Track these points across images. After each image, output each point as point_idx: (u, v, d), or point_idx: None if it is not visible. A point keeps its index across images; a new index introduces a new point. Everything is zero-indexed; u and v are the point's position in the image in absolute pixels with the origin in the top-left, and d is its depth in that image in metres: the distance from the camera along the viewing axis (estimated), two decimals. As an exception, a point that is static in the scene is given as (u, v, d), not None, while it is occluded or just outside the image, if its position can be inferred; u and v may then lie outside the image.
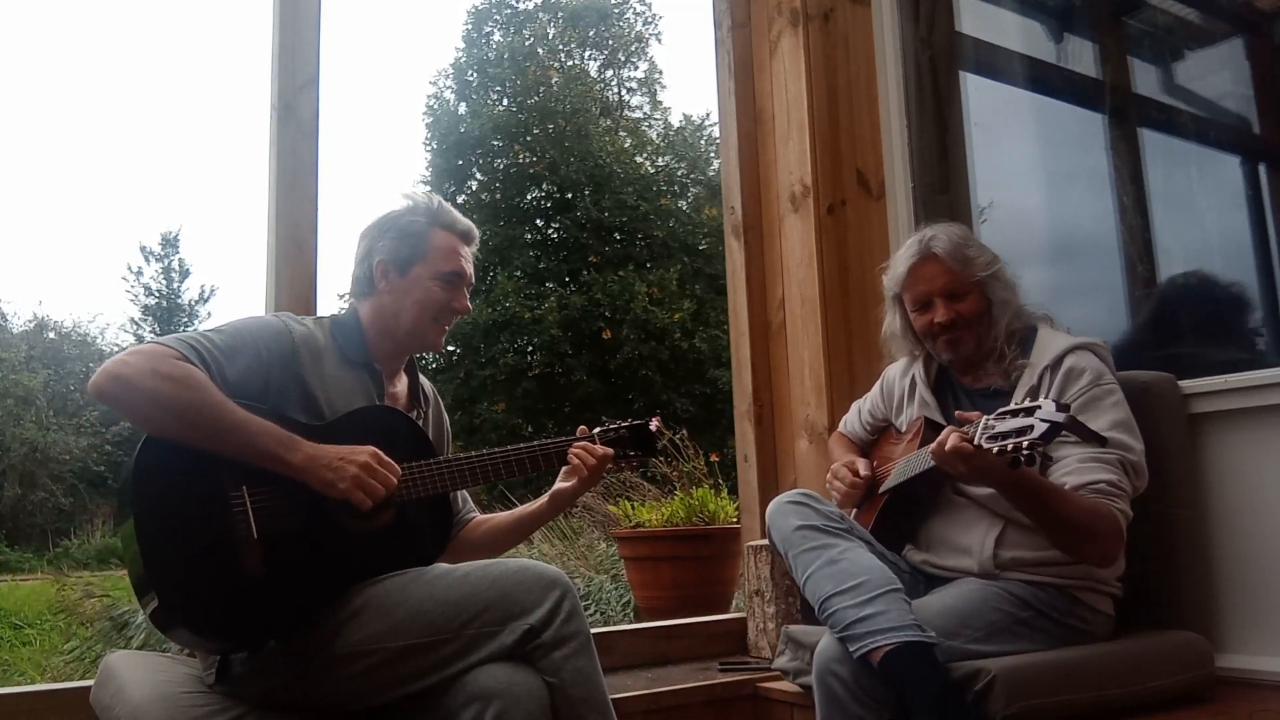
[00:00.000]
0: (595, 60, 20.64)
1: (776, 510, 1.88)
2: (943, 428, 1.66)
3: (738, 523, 3.18)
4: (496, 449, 1.67)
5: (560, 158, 17.68)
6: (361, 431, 1.54)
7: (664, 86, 22.34)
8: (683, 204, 18.73)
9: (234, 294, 23.67)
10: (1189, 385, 2.08)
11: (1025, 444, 1.43)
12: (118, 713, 1.46)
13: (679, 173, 19.37)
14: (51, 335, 20.39)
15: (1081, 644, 1.75)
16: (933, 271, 1.92)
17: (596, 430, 1.79)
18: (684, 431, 4.49)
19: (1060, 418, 1.42)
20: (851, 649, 1.60)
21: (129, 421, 1.43)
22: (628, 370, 16.29)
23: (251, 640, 1.45)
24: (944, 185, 2.71)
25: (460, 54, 19.31)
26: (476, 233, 1.79)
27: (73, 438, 17.22)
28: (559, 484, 1.79)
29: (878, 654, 1.56)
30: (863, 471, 2.03)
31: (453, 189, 18.09)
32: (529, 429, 15.30)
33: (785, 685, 2.11)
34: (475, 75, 19.01)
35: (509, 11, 19.59)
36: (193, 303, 22.06)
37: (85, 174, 33.34)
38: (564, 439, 1.75)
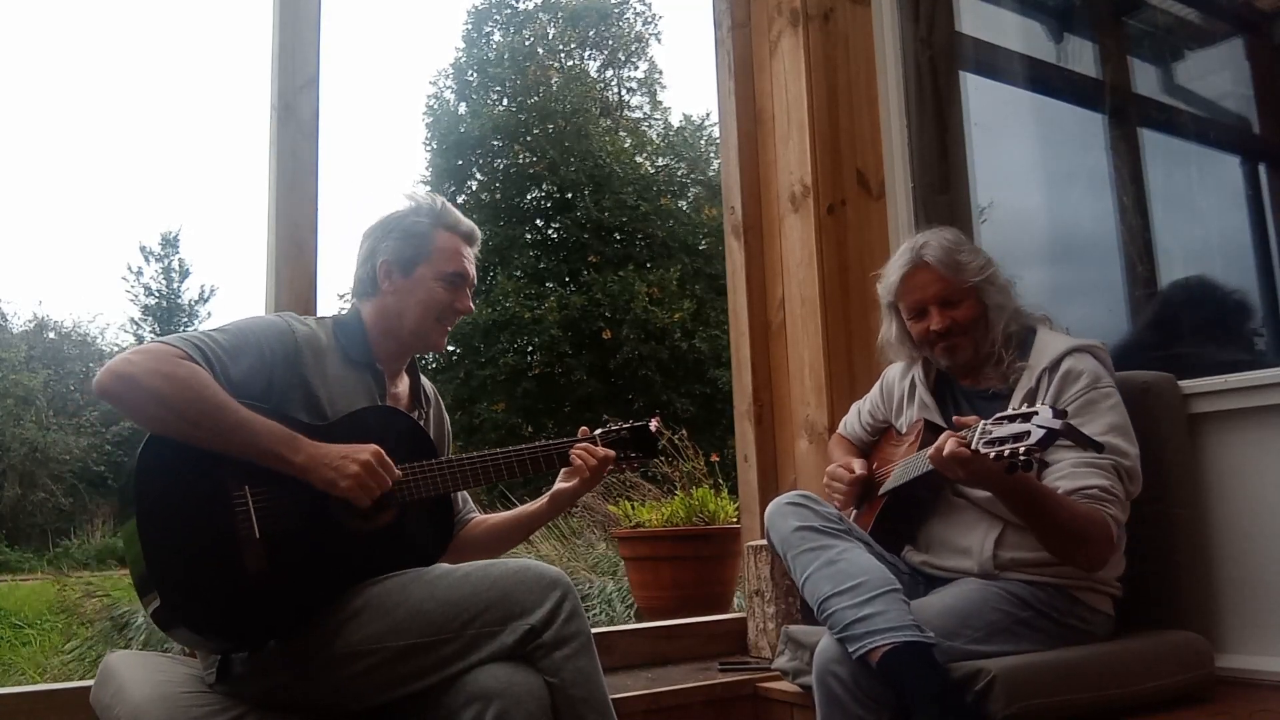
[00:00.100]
0: (595, 60, 20.65)
1: (775, 511, 1.88)
2: (942, 430, 1.67)
3: (738, 523, 3.18)
4: (498, 449, 1.67)
5: (560, 158, 17.67)
6: (364, 431, 1.54)
7: (664, 86, 22.38)
8: (683, 204, 18.74)
9: (234, 294, 23.72)
10: (1189, 385, 2.08)
11: (1022, 450, 1.43)
12: (118, 713, 1.46)
13: (679, 173, 19.38)
14: (51, 335, 20.40)
15: (1081, 644, 1.75)
16: (925, 279, 1.92)
17: (598, 431, 1.80)
18: (684, 431, 4.49)
19: (1057, 424, 1.43)
20: (850, 649, 1.60)
21: (132, 420, 1.44)
22: (628, 370, 16.29)
23: (253, 640, 1.45)
24: (944, 185, 2.71)
25: (460, 54, 19.33)
26: (479, 234, 1.80)
27: (73, 438, 17.23)
28: (559, 484, 1.79)
29: (876, 654, 1.56)
30: (858, 470, 2.03)
31: (453, 189, 18.08)
32: (529, 429, 15.30)
33: (785, 685, 2.11)
34: (475, 75, 19.01)
35: (509, 11, 19.59)
36: (193, 303, 22.09)
37: (85, 174, 33.38)
38: (565, 440, 1.75)
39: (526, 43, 19.17)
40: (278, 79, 2.25)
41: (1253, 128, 2.56)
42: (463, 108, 18.83)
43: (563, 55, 19.79)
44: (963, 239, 1.99)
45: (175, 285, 22.06)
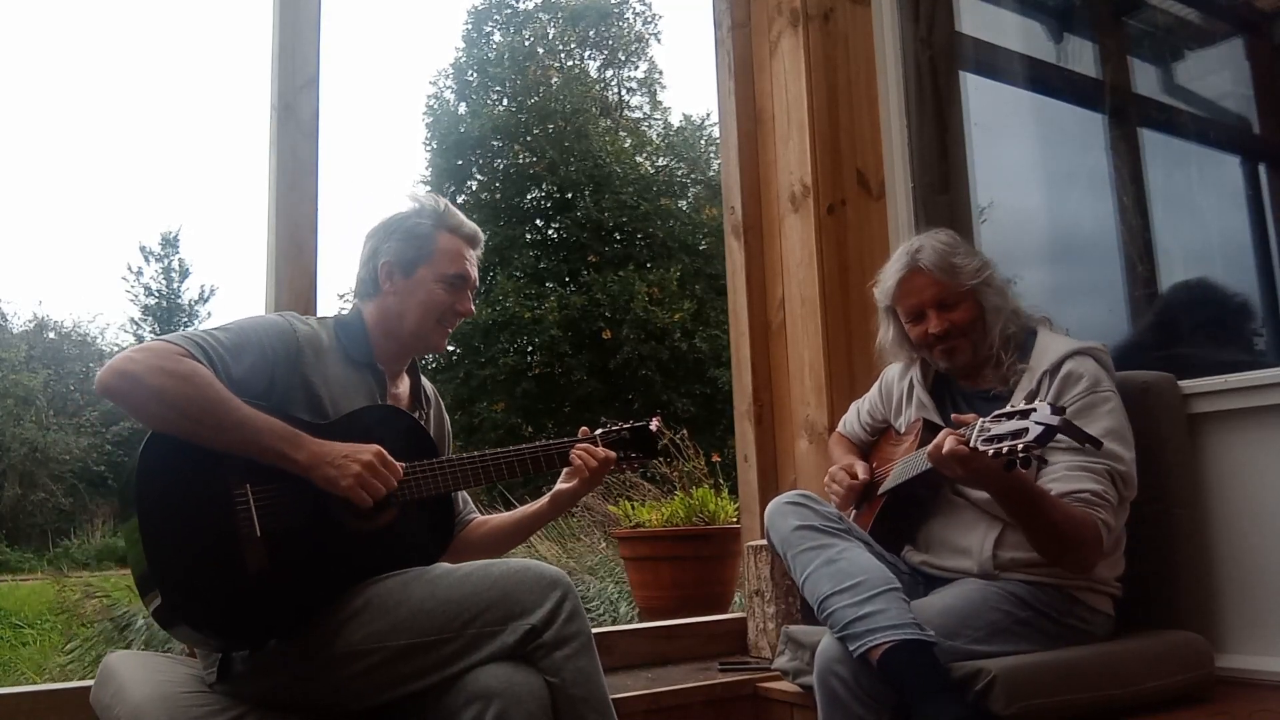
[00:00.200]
0: (595, 60, 20.65)
1: (775, 511, 1.88)
2: (941, 429, 1.67)
3: (738, 523, 3.18)
4: (499, 449, 1.67)
5: (560, 158, 17.67)
6: (364, 430, 1.55)
7: (664, 86, 22.38)
8: (683, 204, 18.74)
9: (234, 294, 23.72)
10: (1189, 385, 2.08)
11: (1020, 446, 1.43)
12: (118, 713, 1.46)
13: (679, 173, 19.38)
14: (51, 335, 20.40)
15: (1081, 644, 1.75)
16: (921, 283, 1.92)
17: (598, 432, 1.80)
18: (684, 431, 4.49)
19: (1055, 421, 1.43)
20: (850, 648, 1.60)
21: (135, 418, 1.44)
22: (628, 370, 16.29)
23: (253, 638, 1.45)
24: (944, 185, 2.71)
25: (460, 54, 19.33)
26: (482, 236, 1.80)
27: (73, 438, 17.23)
28: (560, 485, 1.79)
29: (876, 652, 1.56)
30: (861, 474, 2.03)
31: (453, 189, 18.09)
32: (529, 429, 15.30)
33: (785, 685, 2.11)
34: (475, 75, 19.02)
35: (509, 11, 19.59)
36: (193, 303, 22.09)
37: (85, 174, 33.37)
38: (565, 440, 1.75)
39: (526, 43, 19.17)
40: (278, 79, 2.25)
41: (1253, 128, 2.56)
42: (463, 108, 18.83)
43: (563, 55, 19.79)
44: (958, 241, 1.99)
45: (175, 285, 22.07)
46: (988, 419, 1.53)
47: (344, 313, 1.76)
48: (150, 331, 20.99)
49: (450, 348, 16.42)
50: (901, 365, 2.11)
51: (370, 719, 1.46)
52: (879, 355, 2.14)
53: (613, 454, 1.76)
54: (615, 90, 20.95)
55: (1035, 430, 1.43)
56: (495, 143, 18.25)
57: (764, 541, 2.14)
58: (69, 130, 30.92)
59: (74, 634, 5.11)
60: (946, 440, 1.58)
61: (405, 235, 1.71)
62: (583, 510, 5.58)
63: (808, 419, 2.65)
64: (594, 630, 1.50)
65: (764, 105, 2.90)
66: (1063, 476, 1.70)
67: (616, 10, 20.47)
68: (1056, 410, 1.44)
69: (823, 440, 2.53)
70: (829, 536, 1.78)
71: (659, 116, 20.92)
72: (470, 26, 19.48)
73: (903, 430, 2.05)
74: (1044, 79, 2.92)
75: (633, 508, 4.03)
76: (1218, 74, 2.68)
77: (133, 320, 21.65)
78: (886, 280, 1.99)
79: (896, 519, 1.95)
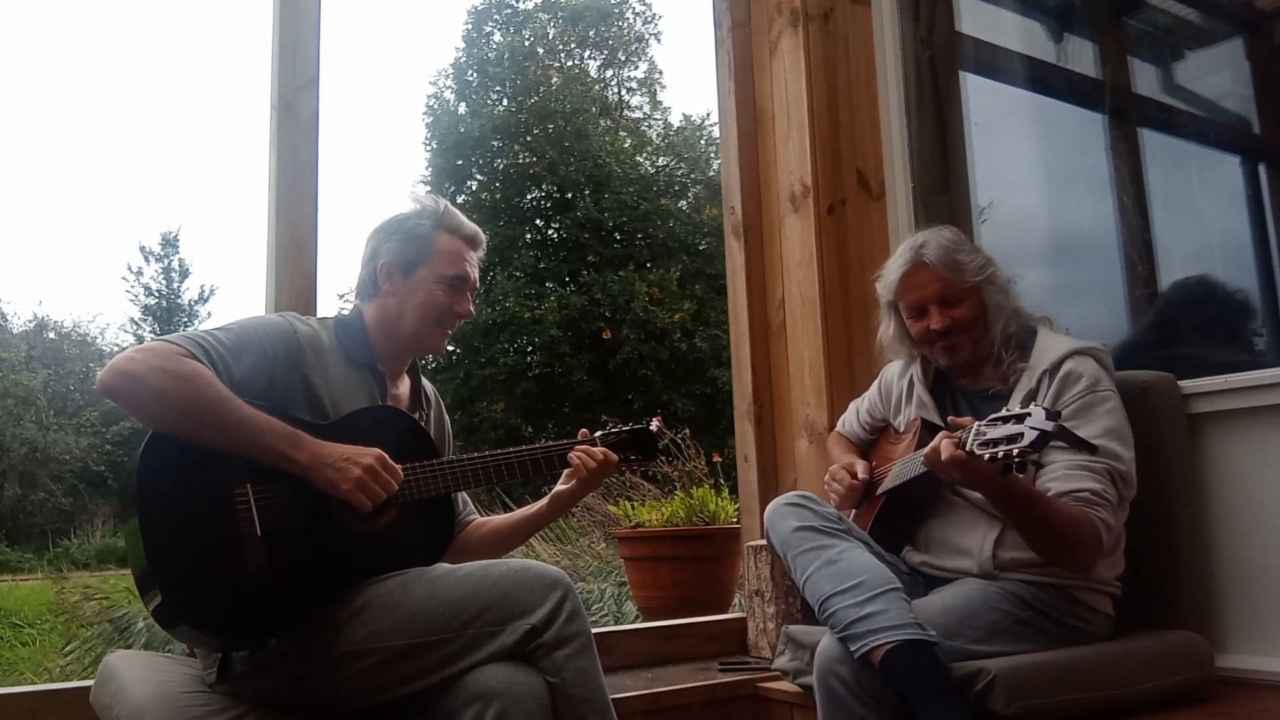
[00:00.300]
0: (595, 60, 20.65)
1: (775, 512, 1.88)
2: (939, 429, 1.67)
3: (738, 523, 3.18)
4: (499, 451, 1.67)
5: (560, 158, 17.68)
6: (365, 431, 1.55)
7: (664, 86, 22.36)
8: (683, 204, 18.74)
9: (234, 294, 23.73)
10: (1189, 385, 2.08)
11: (1016, 451, 1.43)
12: (118, 713, 1.46)
13: (679, 173, 19.38)
14: (51, 335, 20.40)
15: (1081, 644, 1.75)
16: (925, 279, 1.92)
17: (598, 433, 1.80)
18: (686, 431, 4.49)
19: (1049, 426, 1.43)
20: (852, 649, 1.60)
21: (136, 418, 1.44)
22: (628, 370, 16.29)
23: (253, 638, 1.45)
24: (944, 185, 2.71)
25: (460, 54, 19.33)
26: (483, 237, 1.79)
27: (73, 438, 17.23)
28: (559, 486, 1.79)
29: (878, 653, 1.56)
30: (860, 474, 2.03)
31: (453, 189, 18.09)
32: (528, 429, 15.30)
33: (785, 685, 2.11)
34: (475, 75, 19.02)
35: (509, 11, 19.59)
36: (193, 303, 22.09)
37: (85, 174, 33.38)
38: (565, 442, 1.75)
39: (526, 43, 19.17)
40: (278, 79, 2.25)
41: (1253, 128, 2.56)
42: (463, 108, 18.83)
43: (563, 55, 19.79)
44: (962, 238, 1.99)
45: (175, 285, 22.08)
46: (983, 423, 1.53)
47: (344, 313, 1.76)
48: (150, 331, 20.99)
49: (450, 348, 16.42)
50: (901, 363, 2.11)
51: (370, 719, 1.46)
52: (879, 351, 2.14)
53: (613, 455, 1.76)
54: (615, 90, 20.95)
55: (1030, 435, 1.43)
56: (495, 143, 18.25)
57: (764, 541, 2.14)
58: (69, 130, 30.96)
59: (73, 635, 5.12)
60: (942, 444, 1.58)
61: (405, 236, 1.71)
62: (582, 510, 5.58)
63: (808, 419, 2.65)
64: (594, 630, 1.50)
65: (764, 105, 2.90)
66: (1062, 475, 1.70)
67: (616, 10, 20.47)
68: (1051, 415, 1.44)
69: (823, 440, 2.53)
70: (829, 537, 1.78)
71: (659, 116, 20.94)
72: (470, 26, 19.49)
73: (901, 429, 2.05)
74: (1044, 79, 2.92)
75: (633, 508, 4.03)
76: (1218, 74, 2.68)
77: (133, 320, 21.69)
78: (890, 275, 1.99)
79: (896, 519, 1.95)
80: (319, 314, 2.09)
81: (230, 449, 1.43)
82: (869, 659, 1.57)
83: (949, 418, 1.65)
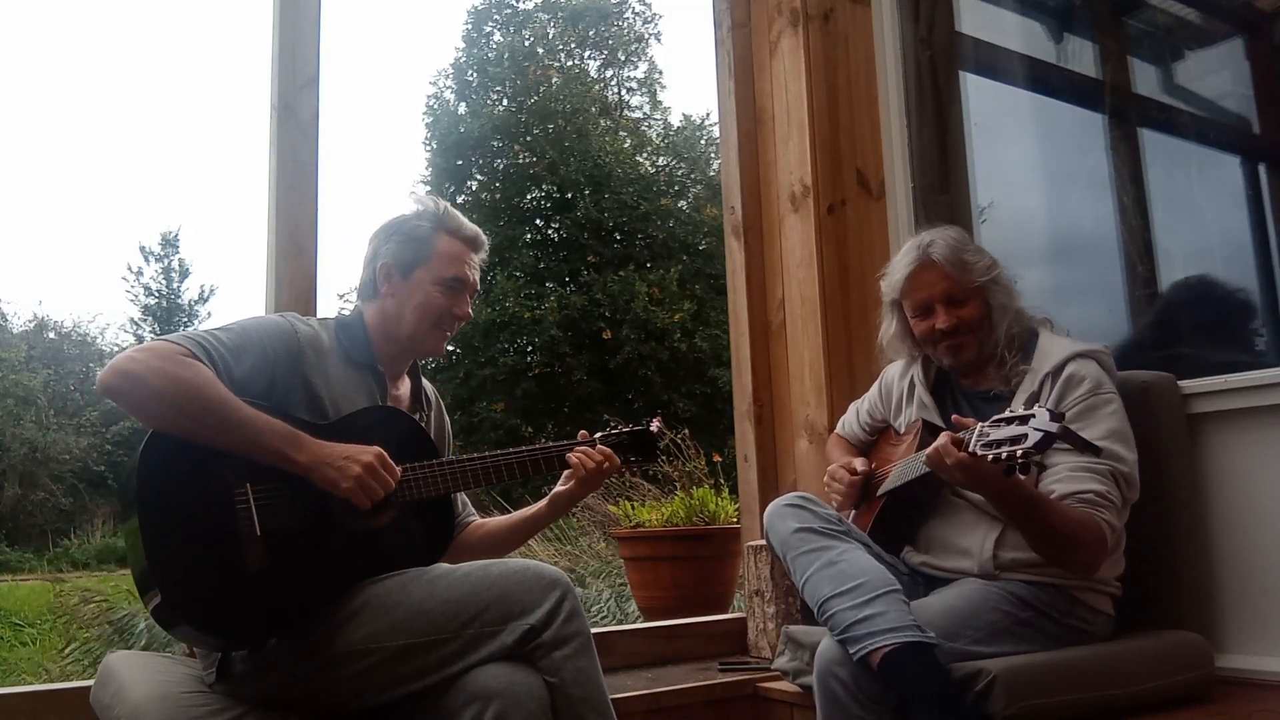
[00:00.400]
0: (595, 60, 20.65)
1: (774, 513, 1.88)
2: (941, 430, 1.67)
3: (738, 523, 3.18)
4: (498, 451, 1.67)
5: (560, 158, 17.68)
6: (365, 431, 1.55)
7: (664, 86, 22.32)
8: (683, 204, 18.74)
9: (234, 294, 23.69)
10: (1189, 385, 2.08)
11: (1019, 453, 1.43)
12: (118, 713, 1.46)
13: (679, 173, 19.39)
14: (51, 335, 20.39)
15: (1081, 644, 1.75)
16: (932, 278, 1.92)
17: (598, 434, 1.80)
18: (686, 431, 4.49)
19: (1054, 427, 1.43)
20: (851, 650, 1.60)
21: (136, 418, 1.44)
22: (628, 370, 16.29)
23: (253, 637, 1.45)
24: (944, 185, 2.71)
25: (460, 54, 19.33)
26: (485, 239, 1.79)
27: (73, 438, 17.23)
28: (559, 487, 1.79)
29: (877, 655, 1.56)
30: (859, 468, 2.03)
31: (453, 189, 18.10)
32: (528, 429, 15.29)
33: (785, 685, 2.11)
34: (475, 75, 19.02)
35: (509, 11, 19.59)
36: (193, 303, 22.06)
37: (85, 174, 33.36)
38: (565, 443, 1.75)
39: (526, 43, 19.17)
40: (278, 79, 2.25)
41: (1253, 128, 2.56)
42: (463, 108, 18.84)
43: (563, 55, 19.78)
44: (968, 238, 1.99)
45: (175, 285, 22.05)
46: (987, 424, 1.53)
47: (345, 314, 1.76)
48: (150, 331, 20.98)
49: (450, 348, 16.42)
50: (902, 364, 2.11)
51: (370, 719, 1.46)
52: (880, 350, 2.14)
53: (613, 456, 1.76)
54: (615, 90, 20.95)
55: (1034, 436, 1.43)
56: (495, 143, 18.25)
57: (764, 542, 2.14)
58: (69, 130, 30.94)
59: (73, 637, 5.11)
60: (945, 445, 1.57)
61: (404, 238, 1.71)
62: (582, 510, 5.58)
63: (808, 419, 2.65)
64: (594, 630, 1.50)
65: (764, 105, 2.90)
66: (1066, 477, 1.70)
67: (616, 10, 20.47)
68: (1055, 416, 1.44)
69: (823, 440, 2.53)
70: (828, 539, 1.78)
71: (659, 116, 20.93)
72: (470, 26, 19.49)
73: (902, 430, 2.05)
74: (1044, 79, 2.92)
75: (633, 508, 4.02)
76: (1218, 74, 2.68)
77: (133, 320, 21.66)
78: (895, 273, 1.98)
79: (896, 520, 1.95)
80: (319, 314, 2.09)
81: (230, 449, 1.43)
82: (868, 661, 1.57)
83: (953, 416, 1.65)
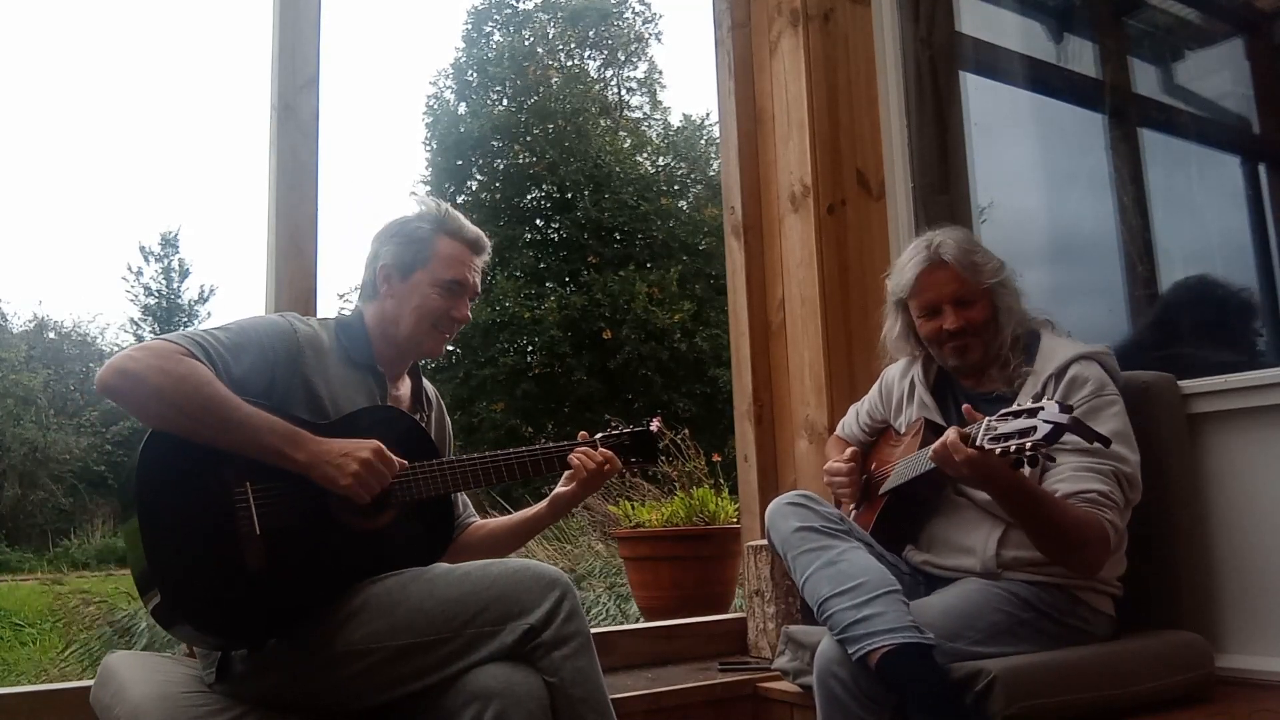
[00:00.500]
0: (595, 60, 20.65)
1: (775, 512, 1.88)
2: (943, 429, 1.66)
3: (738, 523, 3.18)
4: (499, 452, 1.67)
5: (560, 158, 17.68)
6: (365, 431, 1.54)
7: (664, 86, 22.32)
8: (683, 204, 18.74)
9: (234, 294, 23.65)
10: (1189, 385, 2.08)
11: (1029, 445, 1.43)
12: (118, 713, 1.46)
13: (679, 173, 19.38)
14: (51, 335, 20.39)
15: (1082, 644, 1.75)
16: (942, 278, 1.91)
17: (599, 436, 1.80)
18: (686, 431, 4.49)
19: (1064, 419, 1.42)
20: (849, 650, 1.60)
21: (134, 417, 1.44)
22: (628, 370, 16.29)
23: (252, 637, 1.45)
24: (944, 185, 2.71)
25: (460, 54, 19.33)
26: (487, 243, 1.78)
27: (73, 438, 17.22)
28: (560, 488, 1.79)
29: (875, 655, 1.56)
30: (849, 455, 2.06)
31: (452, 189, 18.09)
32: (528, 429, 15.29)
33: (785, 685, 2.11)
34: (475, 75, 19.02)
35: (509, 11, 19.59)
36: (192, 303, 22.05)
37: (85, 174, 33.33)
38: (566, 444, 1.75)
39: (526, 43, 19.17)
40: (278, 79, 2.25)
41: (1253, 128, 2.56)
42: (463, 108, 18.83)
43: (563, 55, 19.79)
44: (975, 240, 1.99)
45: (175, 285, 22.04)
46: (994, 418, 1.52)
47: (345, 314, 1.76)
48: (150, 331, 20.97)
49: (450, 348, 16.41)
50: (902, 365, 2.10)
51: (370, 719, 1.46)
52: (882, 349, 2.13)
53: (613, 458, 1.76)
54: (615, 90, 20.95)
55: (1044, 429, 1.42)
56: (495, 143, 18.25)
57: (764, 541, 2.14)
58: (69, 130, 30.92)
59: (73, 639, 5.11)
60: (952, 438, 1.57)
61: (404, 239, 1.71)
62: (582, 511, 5.58)
63: (808, 419, 2.65)
64: (594, 630, 1.50)
65: (764, 105, 2.90)
66: (1069, 477, 1.70)
67: (616, 10, 20.47)
68: (1065, 409, 1.43)
69: (823, 440, 2.53)
70: (829, 538, 1.77)
71: (659, 116, 20.93)
72: (470, 26, 19.49)
73: (903, 431, 2.05)
74: (1044, 79, 2.92)
75: (633, 508, 4.03)
76: (1218, 74, 2.68)
77: (133, 320, 21.64)
78: (904, 273, 1.96)
79: (898, 519, 1.95)
80: (319, 314, 2.09)
81: (229, 447, 1.43)
82: (866, 661, 1.57)
83: (964, 407, 1.64)
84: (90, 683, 1.62)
